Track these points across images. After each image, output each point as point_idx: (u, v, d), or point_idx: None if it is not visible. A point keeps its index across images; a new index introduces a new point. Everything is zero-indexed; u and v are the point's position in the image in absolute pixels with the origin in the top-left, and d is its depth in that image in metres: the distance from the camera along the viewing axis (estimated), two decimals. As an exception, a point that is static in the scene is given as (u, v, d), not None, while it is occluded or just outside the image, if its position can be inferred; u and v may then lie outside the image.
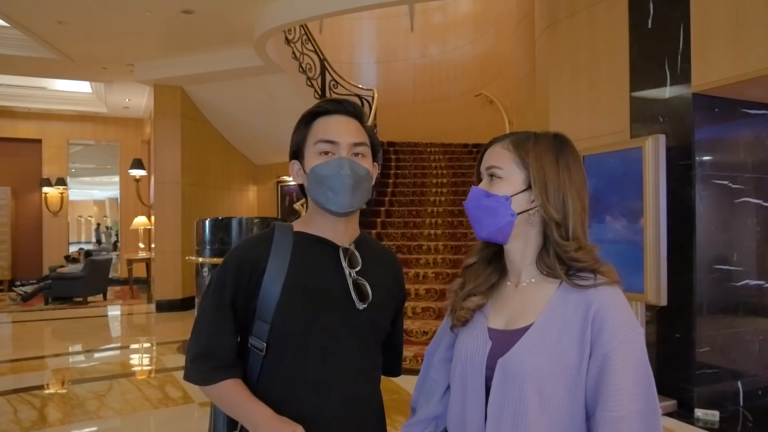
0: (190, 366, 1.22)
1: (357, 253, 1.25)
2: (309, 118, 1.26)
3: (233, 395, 1.18)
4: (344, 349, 1.22)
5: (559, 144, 1.13)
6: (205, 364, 1.20)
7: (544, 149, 1.11)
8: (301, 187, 1.29)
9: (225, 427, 1.25)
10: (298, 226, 1.30)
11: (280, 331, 1.19)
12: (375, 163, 1.30)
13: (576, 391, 1.01)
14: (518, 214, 1.10)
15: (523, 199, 1.10)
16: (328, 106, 1.25)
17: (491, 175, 1.13)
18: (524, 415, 1.02)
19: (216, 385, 1.19)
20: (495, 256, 1.21)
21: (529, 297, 1.12)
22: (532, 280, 1.13)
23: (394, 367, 1.44)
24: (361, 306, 1.21)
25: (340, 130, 1.22)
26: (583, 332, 1.02)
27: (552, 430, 1.01)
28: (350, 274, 1.23)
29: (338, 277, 1.23)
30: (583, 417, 1.02)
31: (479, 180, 1.18)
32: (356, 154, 1.23)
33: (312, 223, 1.27)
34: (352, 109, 1.27)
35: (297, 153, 1.27)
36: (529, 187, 1.10)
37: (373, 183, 1.28)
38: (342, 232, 1.27)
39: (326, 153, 1.21)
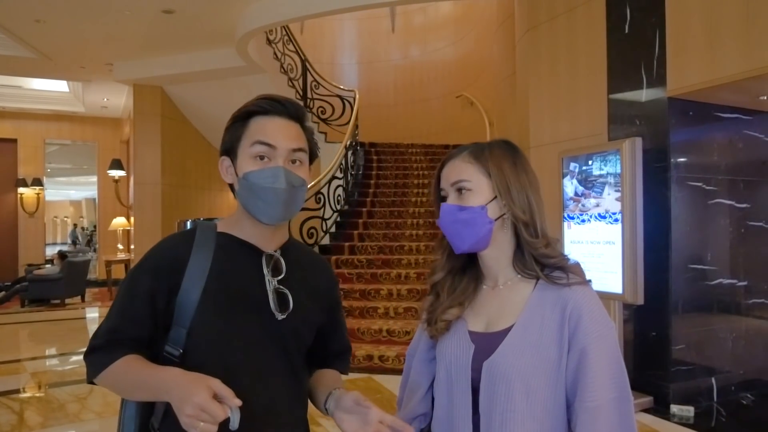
0: (87, 360, 1.12)
1: (282, 261, 1.19)
2: (245, 116, 1.16)
3: (136, 368, 1.07)
4: (265, 359, 1.16)
5: (512, 149, 1.19)
6: (102, 351, 1.11)
7: (500, 155, 1.16)
8: (231, 186, 1.20)
9: None
10: (222, 226, 1.22)
11: (198, 337, 1.11)
12: (309, 167, 1.23)
13: (557, 385, 1.07)
14: (495, 220, 1.15)
15: (496, 206, 1.15)
16: (267, 105, 1.16)
17: (459, 189, 1.15)
18: (512, 412, 1.07)
19: (114, 365, 1.08)
20: (467, 266, 1.24)
21: (507, 299, 1.17)
22: (509, 282, 1.18)
23: (339, 364, 1.37)
24: (280, 316, 1.15)
25: (279, 133, 1.14)
26: (562, 330, 1.08)
27: (537, 424, 1.07)
28: (270, 282, 1.16)
29: (260, 284, 1.16)
30: (564, 408, 1.08)
31: (439, 198, 1.20)
32: (294, 161, 1.15)
33: (238, 225, 1.20)
34: (294, 111, 1.18)
35: (229, 151, 1.18)
36: (498, 195, 1.15)
37: (307, 187, 1.22)
38: (269, 239, 1.20)
39: (262, 158, 1.13)
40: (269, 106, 1.16)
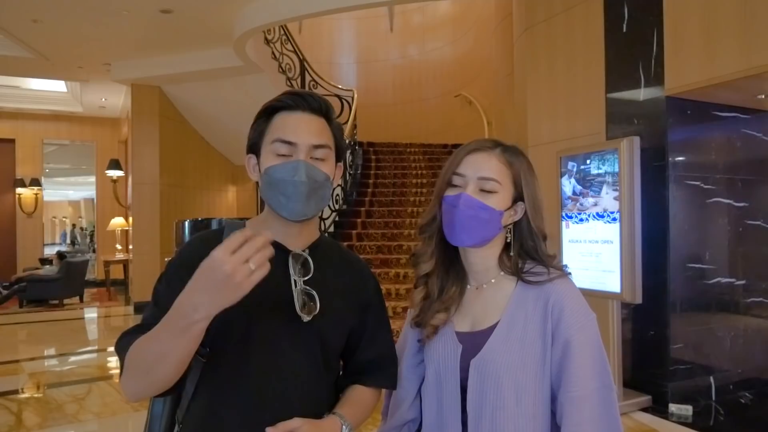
0: (116, 347, 1.05)
1: (310, 260, 1.14)
2: (269, 112, 1.15)
3: (147, 336, 0.98)
4: (287, 364, 1.11)
5: (529, 161, 1.20)
6: (129, 335, 1.06)
7: (527, 167, 1.17)
8: (257, 183, 1.18)
9: (162, 429, 1.17)
10: (251, 225, 1.21)
11: (220, 338, 1.09)
12: (339, 164, 1.21)
13: (543, 378, 1.09)
14: (502, 228, 1.16)
15: (508, 215, 1.16)
16: (290, 101, 1.14)
17: (485, 186, 1.13)
18: (502, 409, 1.08)
19: (136, 341, 1.01)
20: (450, 262, 1.23)
21: (490, 297, 1.18)
22: (492, 281, 1.19)
23: (375, 376, 1.25)
24: (306, 318, 1.10)
25: (300, 129, 1.12)
26: (545, 324, 1.10)
27: (526, 419, 1.08)
28: (296, 282, 1.12)
29: (286, 283, 1.12)
30: (549, 401, 1.10)
31: (450, 181, 1.16)
32: (316, 158, 1.13)
33: (266, 223, 1.18)
34: (317, 105, 1.15)
35: (254, 148, 1.17)
36: (512, 204, 1.16)
37: (335, 186, 1.20)
38: (296, 236, 1.17)
39: (283, 154, 1.11)
40: (292, 101, 1.14)
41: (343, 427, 1.11)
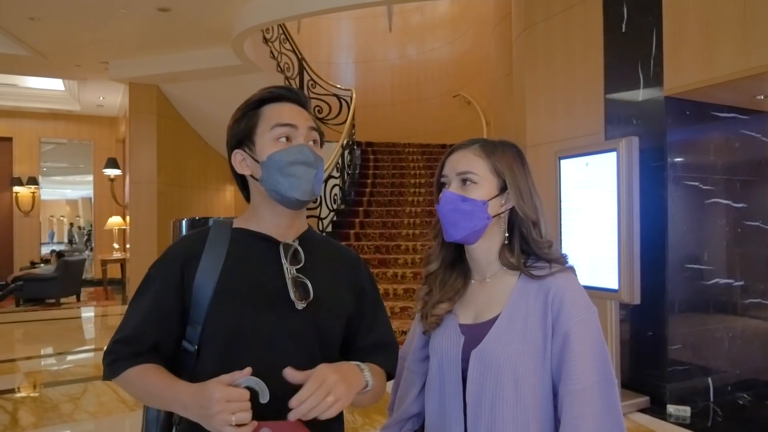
0: (103, 362, 1.15)
1: (300, 249, 1.16)
2: (256, 105, 1.18)
3: (151, 379, 1.09)
4: (281, 354, 1.10)
5: (519, 153, 1.22)
6: (110, 355, 1.14)
7: (511, 158, 1.19)
8: (241, 178, 1.20)
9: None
10: (238, 222, 1.22)
11: (211, 331, 1.10)
12: None
13: (544, 371, 1.10)
14: (492, 217, 1.17)
15: (497, 203, 1.17)
16: (276, 92, 1.19)
17: (464, 180, 1.17)
18: (501, 400, 1.09)
19: (123, 375, 1.11)
20: (456, 260, 1.26)
21: (493, 290, 1.19)
22: (495, 275, 1.21)
23: (381, 360, 1.23)
24: (300, 306, 1.12)
25: (295, 114, 1.17)
26: (545, 316, 1.11)
27: (524, 410, 1.08)
28: (289, 271, 1.14)
29: (277, 274, 1.14)
30: (551, 395, 1.10)
31: (440, 184, 1.23)
32: (313, 141, 1.19)
33: (254, 218, 1.20)
34: (302, 98, 1.22)
35: (243, 141, 1.18)
36: (500, 193, 1.17)
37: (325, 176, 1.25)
38: (287, 227, 1.19)
39: (285, 139, 1.15)
40: (278, 93, 1.20)
41: (363, 369, 1.09)
